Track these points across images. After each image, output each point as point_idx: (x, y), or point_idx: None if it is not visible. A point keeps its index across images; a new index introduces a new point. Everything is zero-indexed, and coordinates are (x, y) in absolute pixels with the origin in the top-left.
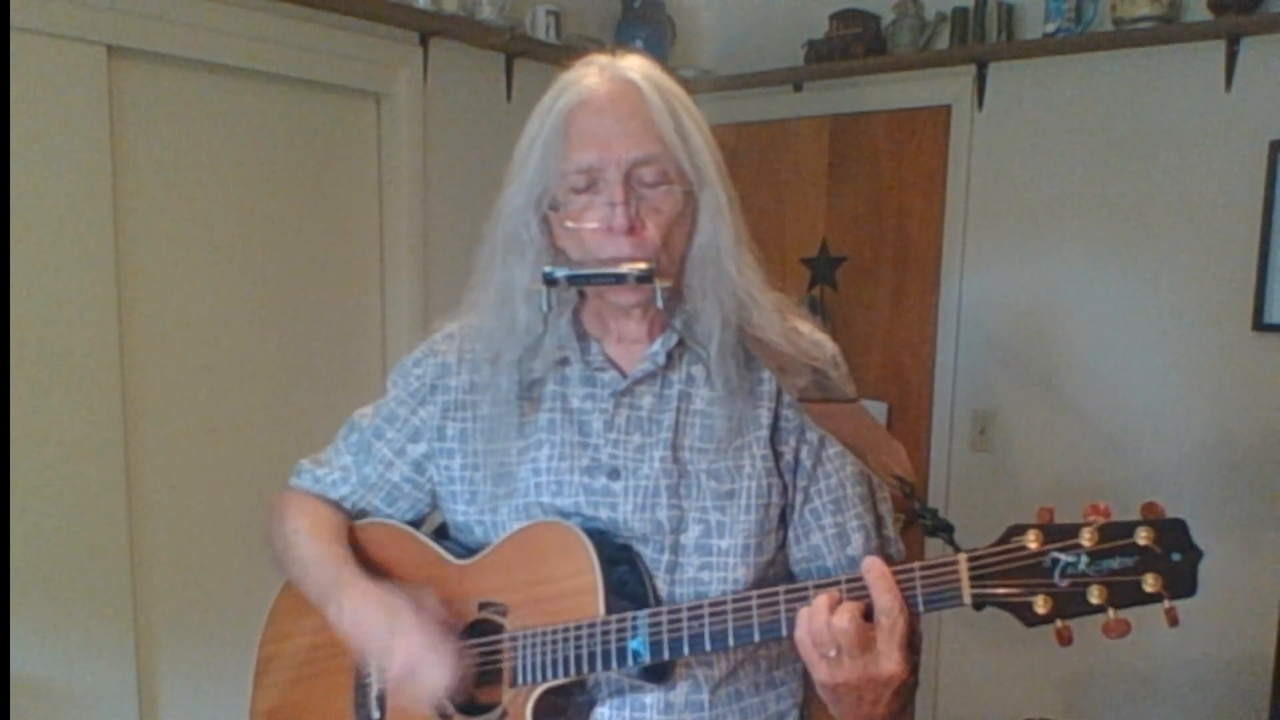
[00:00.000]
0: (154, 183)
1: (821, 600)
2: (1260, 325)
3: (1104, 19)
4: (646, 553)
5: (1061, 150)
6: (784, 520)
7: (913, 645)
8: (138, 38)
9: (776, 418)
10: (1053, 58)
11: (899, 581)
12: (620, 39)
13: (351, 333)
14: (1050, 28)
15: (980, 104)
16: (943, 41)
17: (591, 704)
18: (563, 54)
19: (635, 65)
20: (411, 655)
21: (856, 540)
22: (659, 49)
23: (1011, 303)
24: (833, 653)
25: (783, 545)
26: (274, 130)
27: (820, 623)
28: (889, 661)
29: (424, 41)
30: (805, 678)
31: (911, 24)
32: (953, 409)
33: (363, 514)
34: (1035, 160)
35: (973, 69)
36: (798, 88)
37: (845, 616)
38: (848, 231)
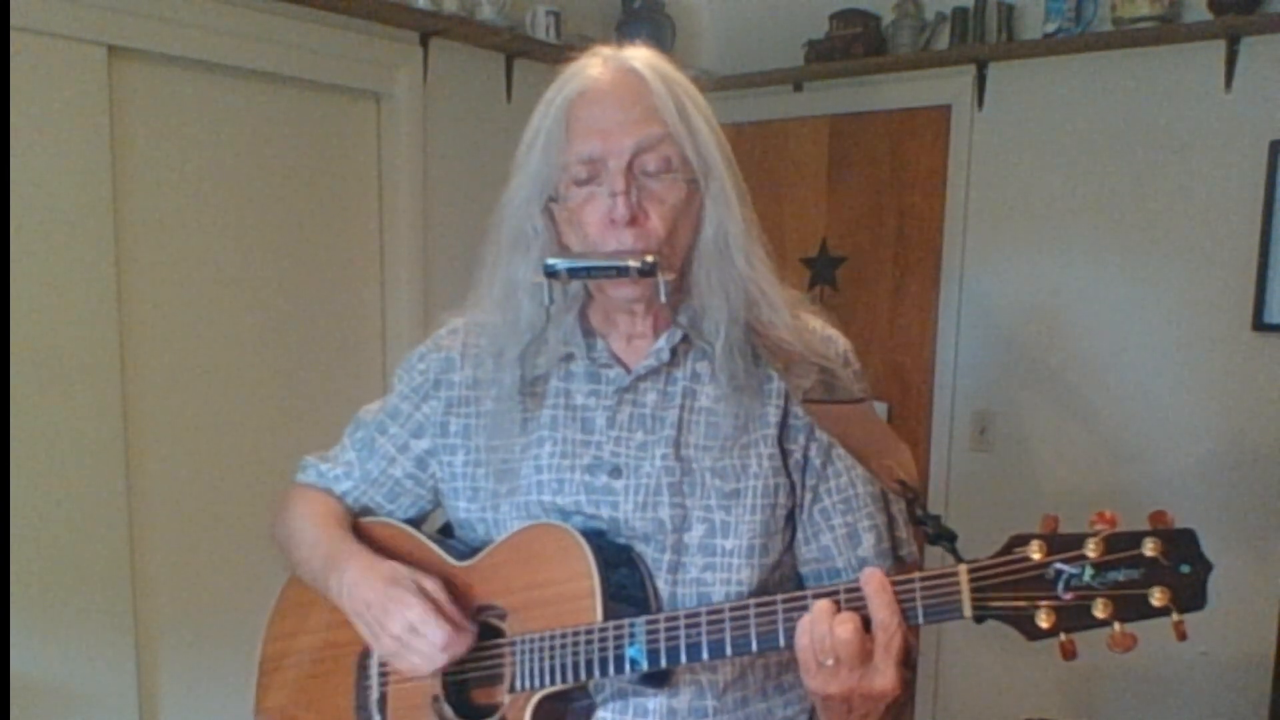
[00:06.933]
0: (154, 183)
1: (823, 605)
2: (1260, 325)
3: (1104, 19)
4: (648, 552)
5: (1061, 150)
6: (791, 521)
7: (908, 662)
8: (138, 38)
9: (785, 415)
10: (1053, 58)
11: (898, 593)
12: (620, 39)
13: (352, 332)
14: (1050, 28)
15: (980, 104)
16: (943, 41)
17: (592, 709)
18: (563, 54)
19: (639, 55)
20: (408, 620)
21: (868, 541)
22: (659, 49)
23: (1011, 302)
24: (830, 662)
25: (789, 546)
26: (274, 130)
27: (823, 630)
28: (883, 677)
29: (424, 41)
30: None
31: (911, 24)
32: (953, 409)
33: (365, 511)
34: (1035, 160)
35: (973, 69)
36: (798, 88)
37: (849, 626)
38: (848, 231)
